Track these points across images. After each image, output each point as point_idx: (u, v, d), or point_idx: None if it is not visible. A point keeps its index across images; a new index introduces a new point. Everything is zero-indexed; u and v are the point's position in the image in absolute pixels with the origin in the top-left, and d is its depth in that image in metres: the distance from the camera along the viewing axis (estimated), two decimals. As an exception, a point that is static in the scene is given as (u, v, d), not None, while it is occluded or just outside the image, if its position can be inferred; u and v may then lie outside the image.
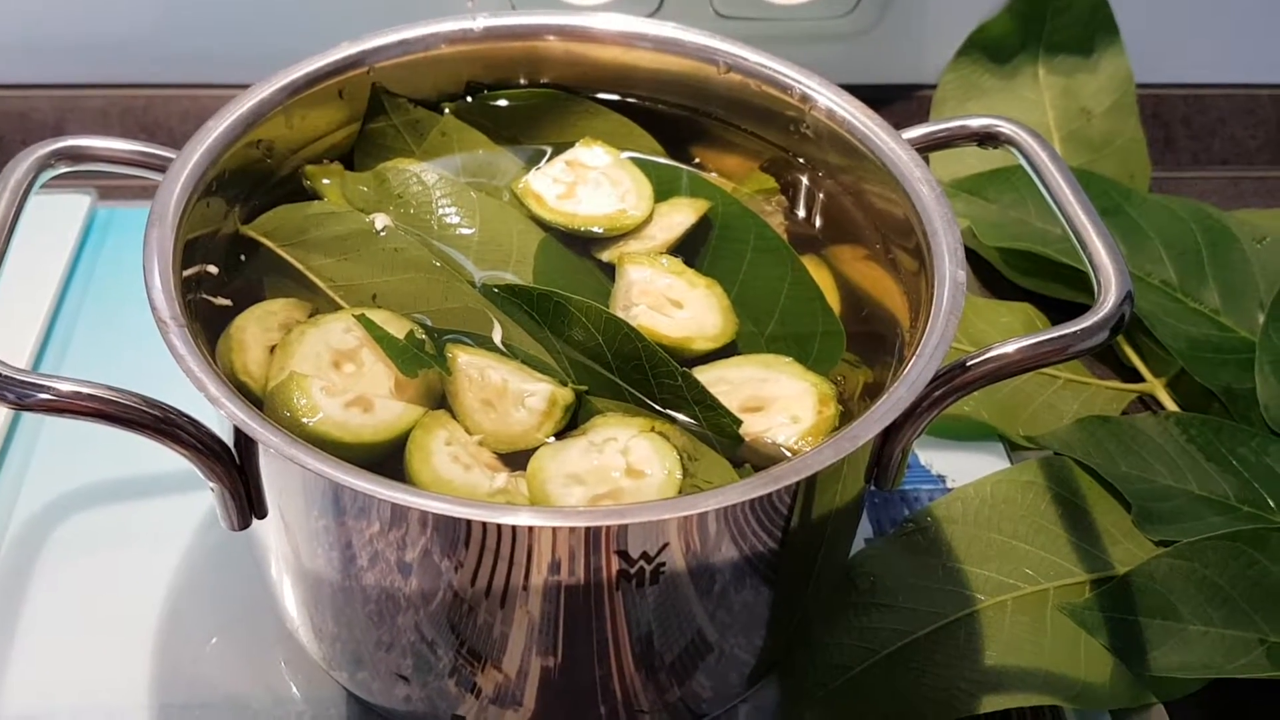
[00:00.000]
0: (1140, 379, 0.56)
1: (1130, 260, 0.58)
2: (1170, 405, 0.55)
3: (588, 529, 0.31)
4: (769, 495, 0.32)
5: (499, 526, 0.31)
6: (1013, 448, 0.53)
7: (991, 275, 0.61)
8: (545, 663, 0.36)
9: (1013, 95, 0.66)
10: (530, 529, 0.31)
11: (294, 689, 0.42)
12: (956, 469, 0.51)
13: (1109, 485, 0.49)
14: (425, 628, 0.36)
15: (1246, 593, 0.45)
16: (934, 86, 0.67)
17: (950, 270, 0.37)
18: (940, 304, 0.36)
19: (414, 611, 0.35)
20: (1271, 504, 0.49)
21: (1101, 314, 0.37)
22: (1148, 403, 0.55)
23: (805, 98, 0.44)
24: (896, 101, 0.69)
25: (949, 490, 0.50)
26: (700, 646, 0.38)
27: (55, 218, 0.58)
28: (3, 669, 0.42)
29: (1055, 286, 0.59)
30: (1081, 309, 0.57)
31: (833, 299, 0.43)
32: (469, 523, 0.31)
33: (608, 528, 0.31)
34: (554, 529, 0.31)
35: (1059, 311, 0.58)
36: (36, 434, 0.49)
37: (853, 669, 0.43)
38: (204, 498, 0.46)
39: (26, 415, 0.49)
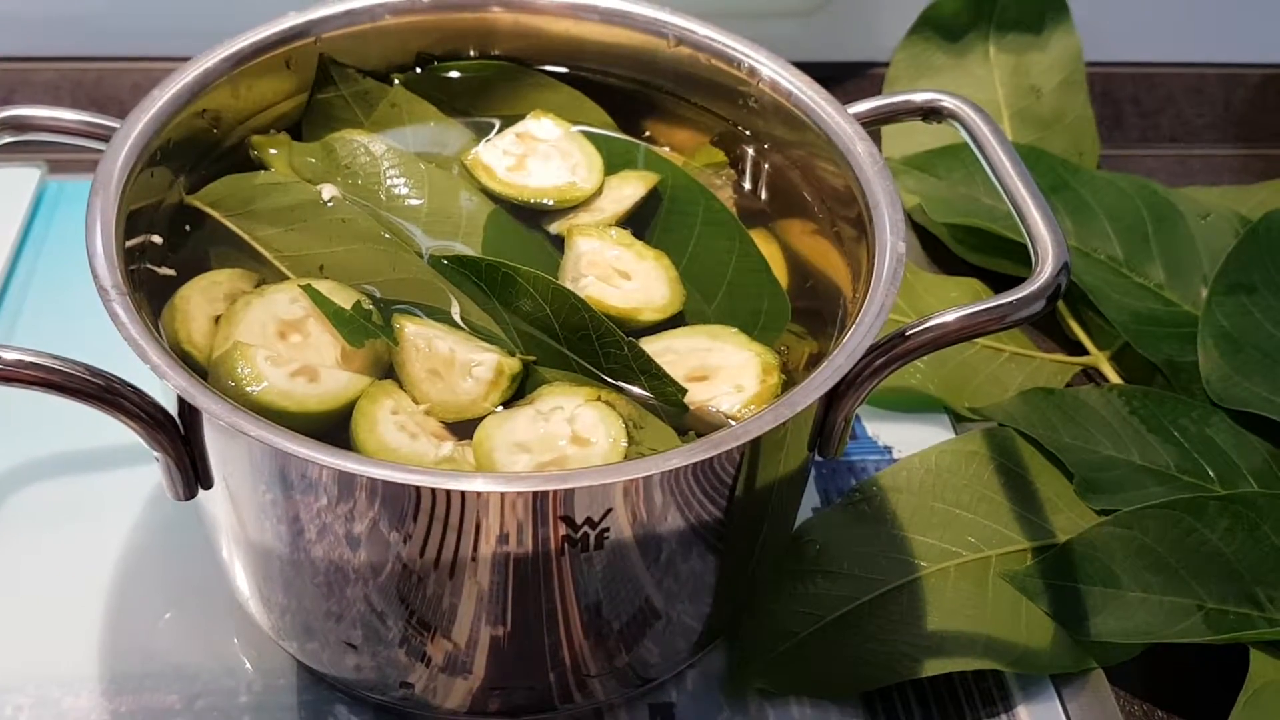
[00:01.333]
0: (1084, 352, 0.57)
1: (1076, 236, 0.59)
2: (1114, 378, 0.56)
3: (533, 494, 0.31)
4: (712, 461, 0.33)
5: (446, 493, 0.31)
6: (958, 420, 0.53)
7: (940, 251, 0.62)
8: (494, 630, 0.37)
9: (964, 72, 0.67)
10: (477, 495, 0.31)
11: (244, 660, 0.42)
12: (903, 440, 0.52)
13: (1052, 456, 0.50)
14: (373, 597, 0.36)
15: (1185, 560, 0.46)
16: (886, 64, 0.67)
17: (891, 241, 0.38)
18: (880, 275, 0.37)
19: (362, 581, 0.35)
20: (1211, 474, 0.50)
21: (1039, 284, 0.37)
22: (1092, 375, 0.56)
23: (753, 71, 0.44)
24: (849, 79, 0.69)
25: (895, 461, 0.51)
26: (648, 613, 0.38)
27: (4, 190, 0.57)
28: (-51, 641, 0.42)
29: (1003, 262, 0.60)
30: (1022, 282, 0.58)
31: (780, 272, 0.43)
32: (415, 489, 0.31)
33: (552, 492, 0.31)
34: (500, 494, 0.31)
35: (1007, 286, 0.57)
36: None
37: (798, 634, 0.44)
38: (153, 471, 0.46)
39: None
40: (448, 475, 0.31)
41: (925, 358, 0.54)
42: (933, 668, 0.43)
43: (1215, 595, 0.45)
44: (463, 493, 0.31)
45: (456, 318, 0.38)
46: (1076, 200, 0.60)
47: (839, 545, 0.46)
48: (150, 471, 0.47)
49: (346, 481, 0.32)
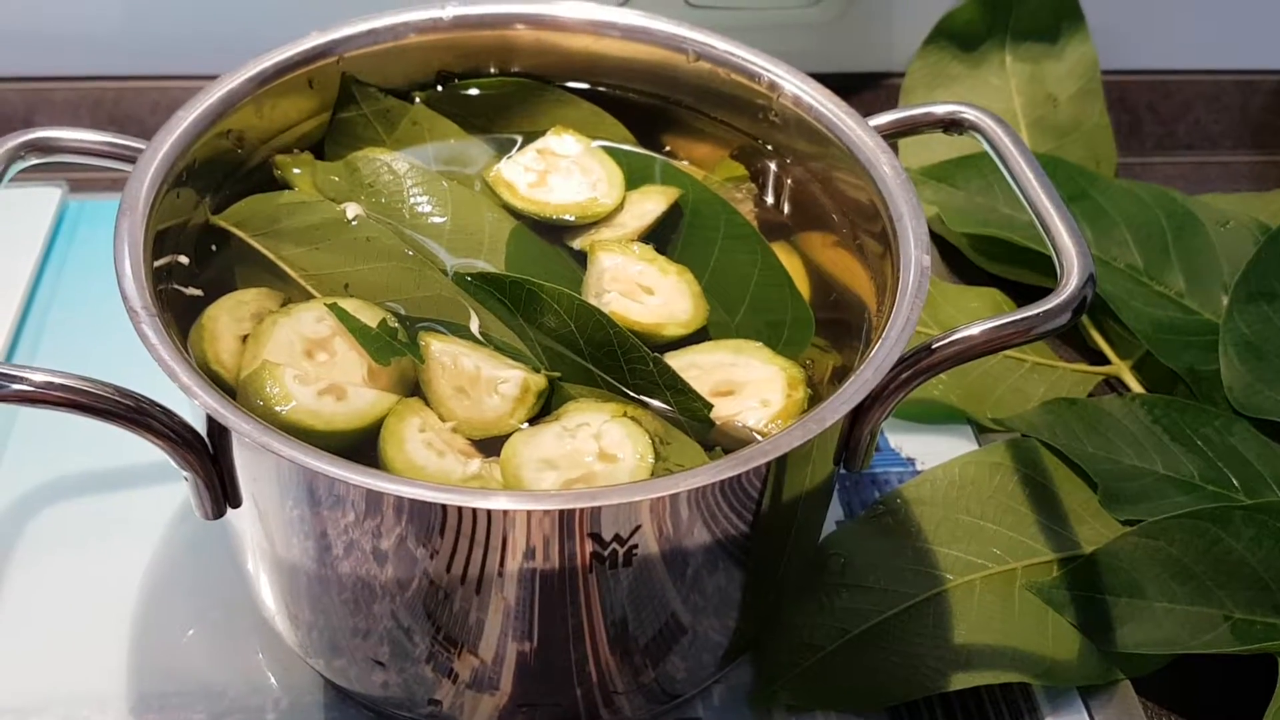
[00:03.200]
0: (1106, 361, 0.57)
1: (1096, 245, 0.59)
2: (1136, 387, 0.56)
3: (561, 512, 0.31)
4: (739, 477, 0.33)
5: (474, 511, 0.31)
6: (980, 430, 0.53)
7: (959, 261, 0.62)
8: (520, 647, 0.37)
9: (980, 82, 0.67)
10: (504, 513, 0.31)
11: (270, 677, 0.42)
12: (926, 452, 0.52)
13: (1075, 466, 0.50)
14: (401, 614, 0.36)
15: (1210, 570, 0.45)
16: (902, 75, 0.67)
17: (915, 255, 0.38)
18: (906, 288, 0.37)
19: (389, 598, 0.36)
20: (1235, 483, 0.50)
21: (1064, 296, 0.37)
22: (1114, 385, 0.56)
23: (773, 85, 0.44)
24: (865, 90, 0.69)
25: (918, 473, 0.51)
26: (674, 628, 0.38)
27: (26, 210, 0.58)
28: (-21, 661, 0.42)
29: (1022, 271, 0.60)
30: (1048, 293, 0.58)
31: (802, 285, 0.43)
32: (443, 507, 0.31)
33: (580, 510, 0.31)
34: (528, 512, 0.31)
35: (1026, 296, 0.59)
36: (9, 429, 0.49)
37: (824, 648, 0.44)
38: (179, 489, 0.46)
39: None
40: (475, 494, 0.31)
41: (952, 372, 0.55)
42: (959, 681, 0.43)
43: (1242, 605, 0.45)
44: (490, 511, 0.31)
45: (477, 334, 0.38)
46: (1095, 209, 0.60)
47: (863, 558, 0.46)
48: (175, 490, 0.47)
49: (375, 500, 0.32)
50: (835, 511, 0.50)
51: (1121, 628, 0.45)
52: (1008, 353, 0.56)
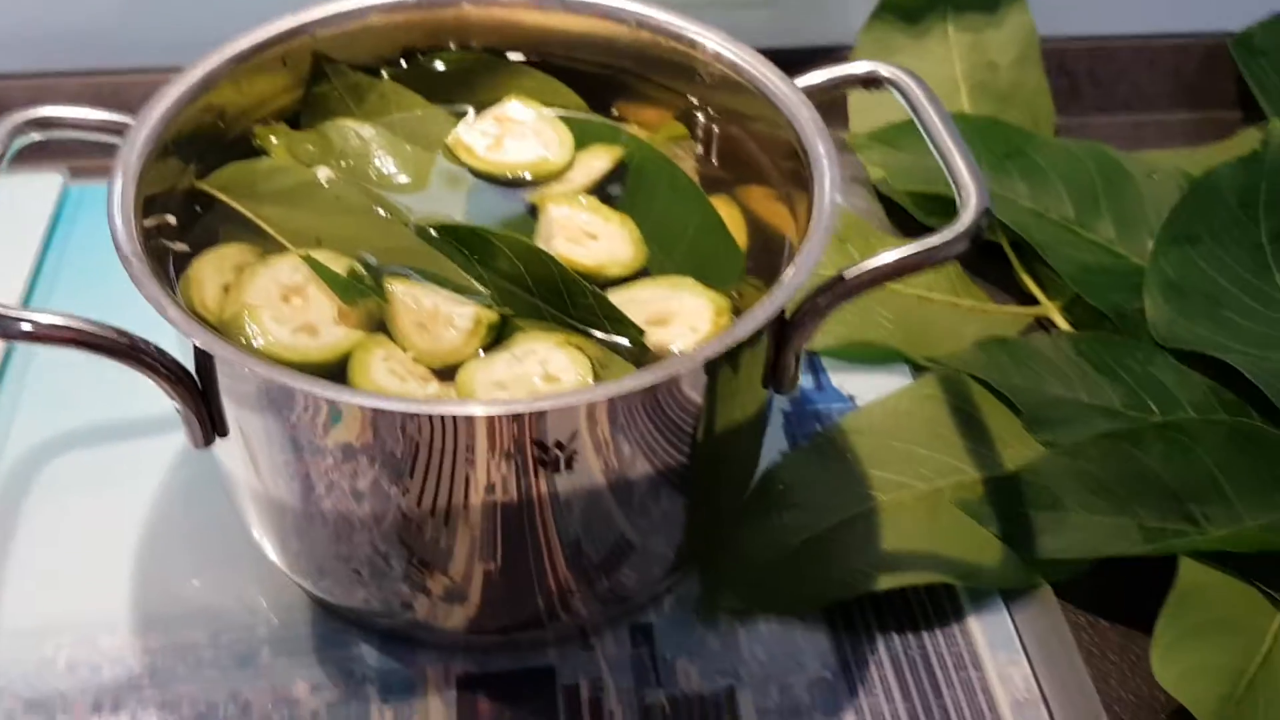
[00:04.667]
0: (1037, 303, 0.61)
1: (1031, 198, 0.63)
2: (1064, 326, 0.60)
3: (501, 416, 0.35)
4: (664, 386, 0.37)
5: (428, 418, 0.36)
6: (917, 370, 0.57)
7: (903, 217, 0.65)
8: (482, 552, 0.41)
9: (924, 52, 0.71)
10: (454, 419, 0.35)
11: (262, 598, 0.47)
12: (865, 389, 0.56)
13: (1003, 397, 0.54)
14: (371, 524, 0.40)
15: (1124, 484, 0.49)
16: (851, 47, 0.71)
17: (830, 193, 0.42)
18: (819, 221, 0.41)
19: (360, 509, 0.40)
20: (1154, 408, 0.54)
21: (962, 227, 0.41)
22: (1044, 325, 0.60)
23: (706, 50, 0.49)
24: (818, 62, 0.73)
25: (858, 408, 0.55)
26: (621, 536, 0.42)
27: (30, 195, 0.62)
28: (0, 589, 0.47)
29: (961, 224, 0.64)
30: (985, 244, 0.62)
31: (740, 232, 0.47)
32: (400, 415, 0.36)
33: (519, 415, 0.35)
34: (472, 417, 0.35)
35: (965, 247, 0.63)
36: (22, 382, 0.54)
37: (765, 561, 0.48)
38: (177, 438, 0.51)
39: (14, 365, 0.54)
40: (427, 402, 0.35)
41: (893, 317, 0.59)
42: (886, 582, 0.47)
43: (1154, 515, 0.49)
44: (441, 417, 0.35)
45: (437, 277, 0.42)
46: (1031, 165, 0.64)
47: (803, 482, 0.51)
48: (175, 438, 0.52)
49: (339, 412, 0.36)
50: (781, 443, 0.54)
51: (1041, 537, 0.49)
52: (945, 297, 0.60)
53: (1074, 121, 0.73)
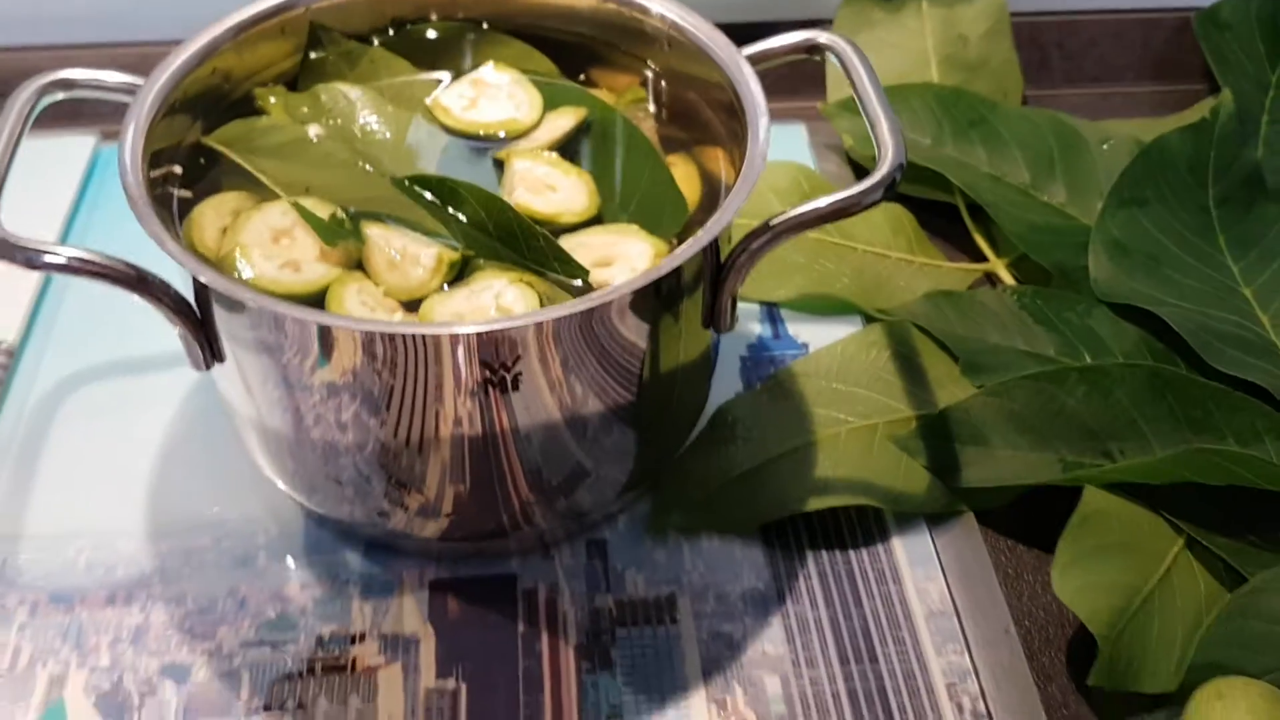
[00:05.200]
0: (986, 260, 0.65)
1: (989, 163, 0.67)
2: (1010, 282, 0.64)
3: (444, 336, 0.40)
4: (596, 317, 0.42)
5: (388, 337, 0.41)
6: (869, 321, 0.62)
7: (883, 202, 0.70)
8: (447, 466, 0.46)
9: (898, 25, 0.75)
10: (406, 337, 0.41)
11: (260, 510, 0.52)
12: (818, 338, 0.60)
13: (946, 347, 0.58)
14: (350, 446, 0.46)
15: (1048, 422, 0.53)
16: (831, 21, 0.76)
17: (762, 149, 0.47)
18: (747, 172, 0.45)
19: (337, 423, 0.45)
20: (1087, 357, 0.58)
21: (878, 178, 0.45)
22: (992, 280, 0.64)
23: (664, 19, 0.53)
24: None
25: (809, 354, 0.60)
26: (572, 458, 0.47)
27: (66, 155, 0.68)
28: (25, 503, 0.53)
29: (921, 188, 0.68)
30: (942, 205, 0.67)
31: (695, 188, 0.52)
32: (364, 335, 0.41)
33: (465, 335, 0.40)
34: (422, 336, 0.40)
35: (923, 208, 0.67)
36: (53, 322, 0.60)
37: (712, 485, 0.53)
38: (189, 372, 0.56)
39: (46, 307, 0.60)
40: (384, 323, 0.40)
41: (850, 272, 0.64)
42: (817, 503, 0.51)
43: (1073, 451, 0.53)
44: (394, 335, 0.40)
45: (406, 221, 0.47)
46: (991, 132, 0.68)
47: (750, 418, 0.55)
48: (186, 372, 0.57)
49: (311, 332, 0.42)
50: (736, 385, 0.58)
51: (966, 469, 0.53)
52: (901, 255, 0.65)
53: (1044, 93, 0.77)
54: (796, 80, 0.77)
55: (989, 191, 0.65)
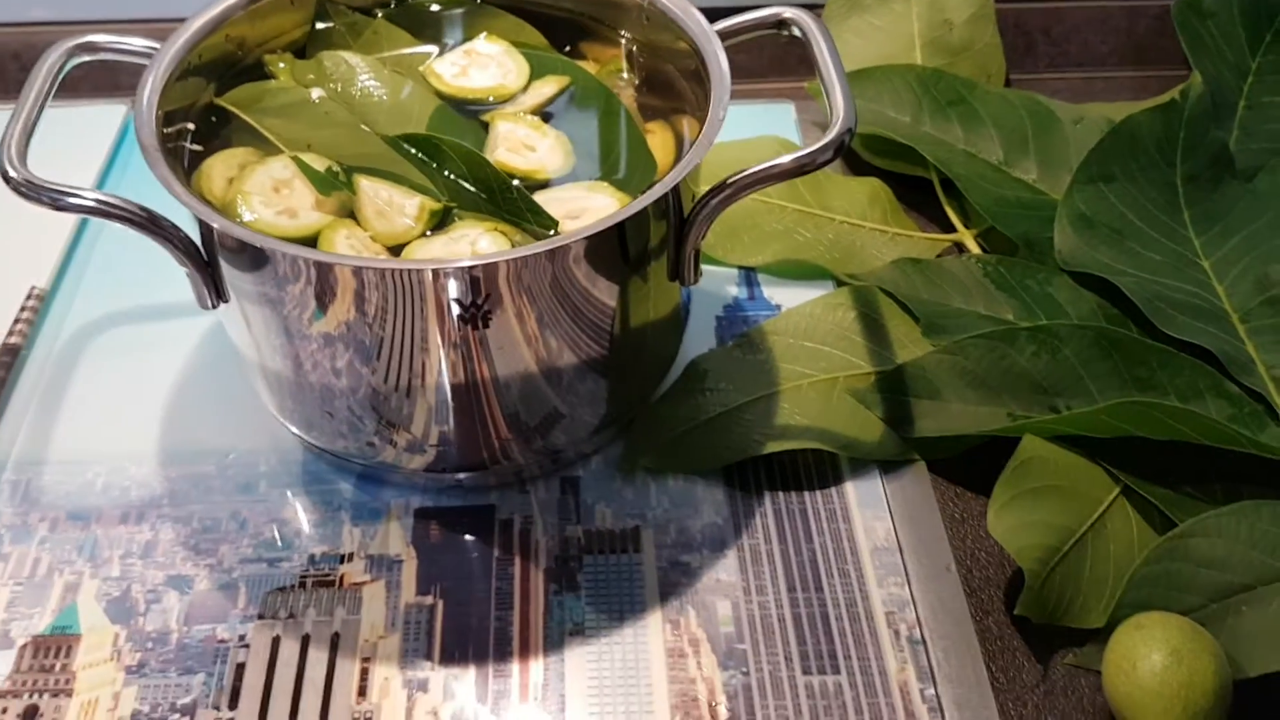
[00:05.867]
0: (955, 231, 0.68)
1: (965, 140, 0.70)
2: (978, 252, 0.67)
3: (421, 270, 0.44)
4: (557, 260, 0.46)
5: (374, 270, 0.45)
6: (840, 285, 0.65)
7: (851, 157, 0.73)
8: (429, 398, 0.50)
9: (887, 10, 0.78)
10: (391, 271, 0.45)
11: (263, 441, 0.57)
12: (791, 300, 0.64)
13: (909, 310, 0.62)
14: (340, 370, 0.50)
15: (998, 379, 0.57)
16: (823, 5, 0.79)
17: (721, 113, 0.50)
18: (706, 132, 0.49)
19: (329, 357, 0.49)
20: (1043, 320, 0.61)
21: (828, 139, 0.49)
22: (961, 249, 0.67)
23: (643, -4, 0.57)
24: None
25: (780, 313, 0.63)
26: (543, 397, 0.51)
27: (99, 122, 0.74)
28: (50, 432, 0.58)
29: (900, 164, 0.72)
30: (919, 181, 0.71)
31: (670, 151, 0.56)
32: (347, 269, 0.45)
33: (440, 270, 0.44)
34: (395, 270, 0.45)
35: (902, 183, 0.71)
36: (84, 270, 0.65)
37: (679, 430, 0.57)
38: (201, 319, 0.61)
39: (79, 253, 0.66)
40: (367, 259, 0.45)
41: (826, 241, 0.67)
42: (774, 446, 0.55)
43: (1022, 405, 0.56)
44: (383, 270, 0.45)
45: (395, 174, 0.52)
46: (970, 111, 0.72)
47: (721, 370, 0.59)
48: (201, 319, 0.62)
49: (299, 267, 0.46)
50: (711, 342, 0.62)
51: (919, 421, 0.57)
52: (874, 225, 0.68)
53: (1028, 77, 0.80)
54: (790, 62, 0.80)
55: (962, 166, 0.68)
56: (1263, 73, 0.74)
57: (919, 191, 0.71)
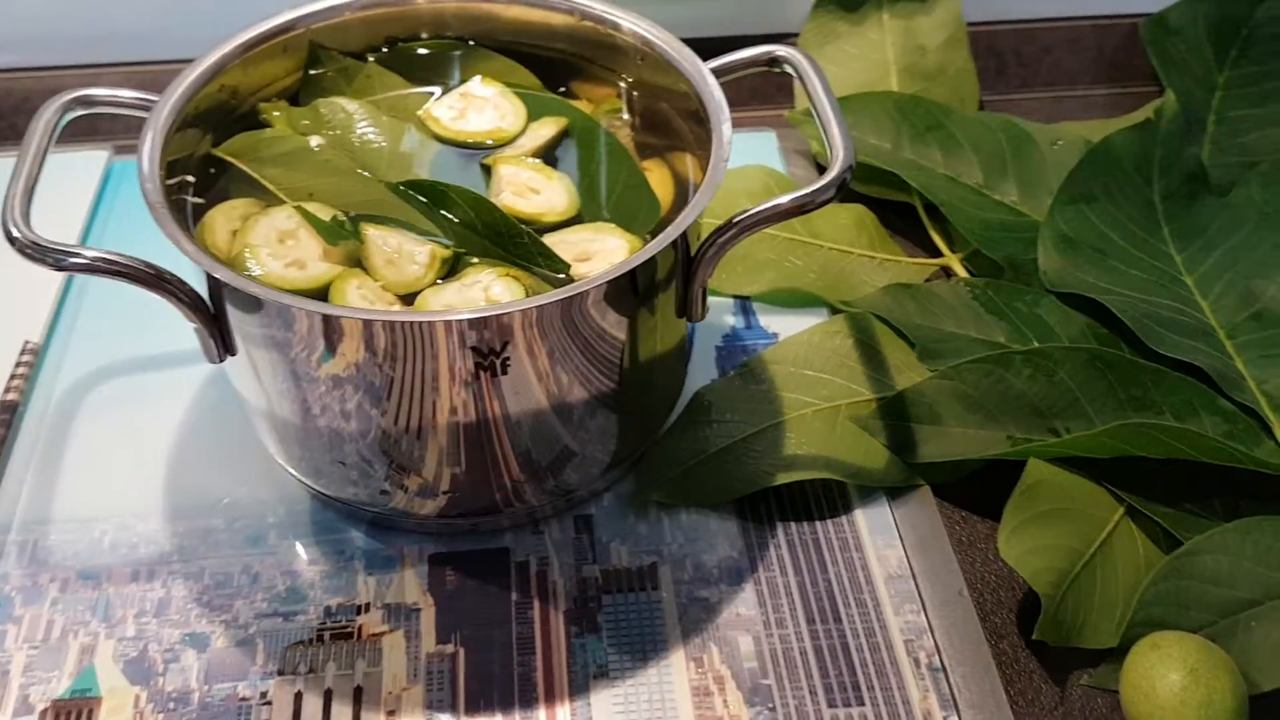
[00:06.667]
0: (941, 255, 0.69)
1: (945, 165, 0.72)
2: (964, 275, 0.68)
3: (438, 322, 0.44)
4: (575, 305, 0.46)
5: (388, 324, 0.45)
6: (834, 312, 0.66)
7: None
8: (444, 446, 0.50)
9: (860, 38, 0.80)
10: (407, 324, 0.45)
11: (270, 493, 0.57)
12: (787, 328, 0.65)
13: (903, 335, 0.63)
14: (352, 431, 0.50)
15: (996, 402, 0.58)
16: (798, 34, 0.80)
17: (724, 155, 0.51)
18: (711, 175, 0.50)
19: (342, 409, 0.49)
20: (1035, 342, 0.62)
21: (830, 177, 0.50)
22: (948, 274, 0.69)
23: (636, 35, 0.58)
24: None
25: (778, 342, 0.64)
26: (559, 439, 0.52)
27: (80, 169, 0.73)
28: (53, 490, 0.57)
29: (883, 189, 0.73)
30: (901, 205, 0.72)
31: (669, 190, 0.56)
32: (361, 323, 0.45)
33: (453, 322, 0.45)
34: (418, 323, 0.45)
35: (885, 207, 0.72)
36: (74, 322, 0.64)
37: (688, 463, 0.57)
38: (203, 368, 0.61)
39: (69, 304, 0.65)
40: (382, 311, 0.45)
41: (817, 268, 0.68)
42: (785, 478, 0.56)
43: (1021, 428, 0.57)
44: (398, 323, 0.45)
45: (402, 222, 0.52)
46: (948, 136, 0.73)
47: (725, 401, 0.60)
48: (201, 368, 0.62)
49: (312, 322, 0.46)
50: (712, 372, 0.63)
51: (921, 446, 0.58)
52: (862, 251, 0.69)
53: (1001, 98, 0.82)
54: (769, 90, 0.81)
55: (944, 191, 0.69)
56: (1230, 87, 0.77)
57: (903, 217, 0.72)
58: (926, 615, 0.53)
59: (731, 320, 0.66)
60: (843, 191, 0.50)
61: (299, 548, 0.55)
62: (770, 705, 0.49)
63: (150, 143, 0.50)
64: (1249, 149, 0.73)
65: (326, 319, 0.45)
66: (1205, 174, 0.68)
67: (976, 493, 0.58)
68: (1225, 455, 0.54)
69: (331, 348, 0.47)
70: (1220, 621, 0.50)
